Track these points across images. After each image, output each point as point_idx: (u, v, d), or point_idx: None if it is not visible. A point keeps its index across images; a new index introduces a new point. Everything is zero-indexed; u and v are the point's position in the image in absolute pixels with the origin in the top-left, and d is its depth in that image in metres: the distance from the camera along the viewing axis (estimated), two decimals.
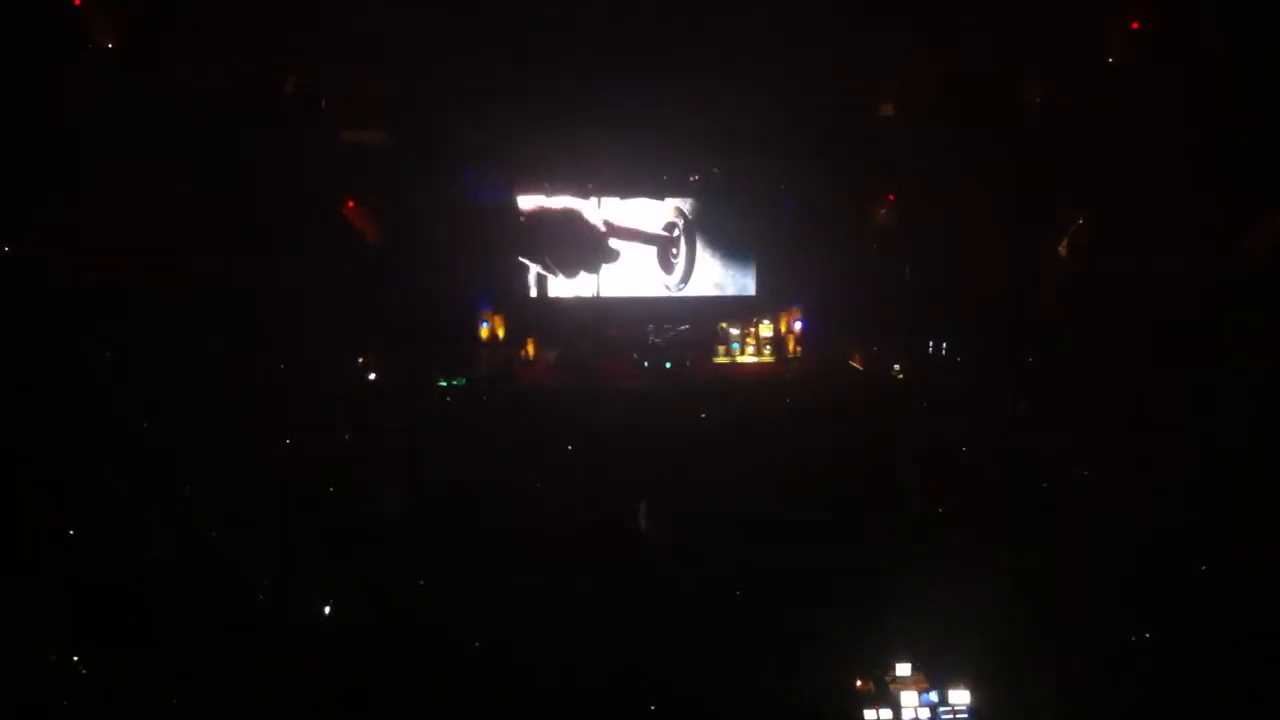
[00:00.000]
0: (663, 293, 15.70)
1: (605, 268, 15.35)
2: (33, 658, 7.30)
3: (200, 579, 8.26)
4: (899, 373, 14.31)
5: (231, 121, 11.46)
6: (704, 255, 15.67)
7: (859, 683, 7.71)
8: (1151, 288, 10.58)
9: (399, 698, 7.45)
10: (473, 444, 11.50)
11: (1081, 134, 11.64)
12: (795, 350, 15.82)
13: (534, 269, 15.25)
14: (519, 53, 12.32)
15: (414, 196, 13.68)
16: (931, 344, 14.22)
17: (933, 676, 7.59)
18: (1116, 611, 8.01)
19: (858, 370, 14.88)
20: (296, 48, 12.09)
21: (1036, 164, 12.11)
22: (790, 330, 15.84)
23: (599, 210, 15.30)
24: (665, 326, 15.70)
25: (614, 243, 15.35)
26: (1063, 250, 12.60)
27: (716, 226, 15.66)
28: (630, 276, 15.57)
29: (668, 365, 15.29)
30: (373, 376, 13.43)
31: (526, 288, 15.33)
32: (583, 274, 15.34)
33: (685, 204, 15.56)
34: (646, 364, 15.33)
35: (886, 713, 7.42)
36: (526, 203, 15.08)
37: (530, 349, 15.37)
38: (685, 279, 15.68)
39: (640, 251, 15.55)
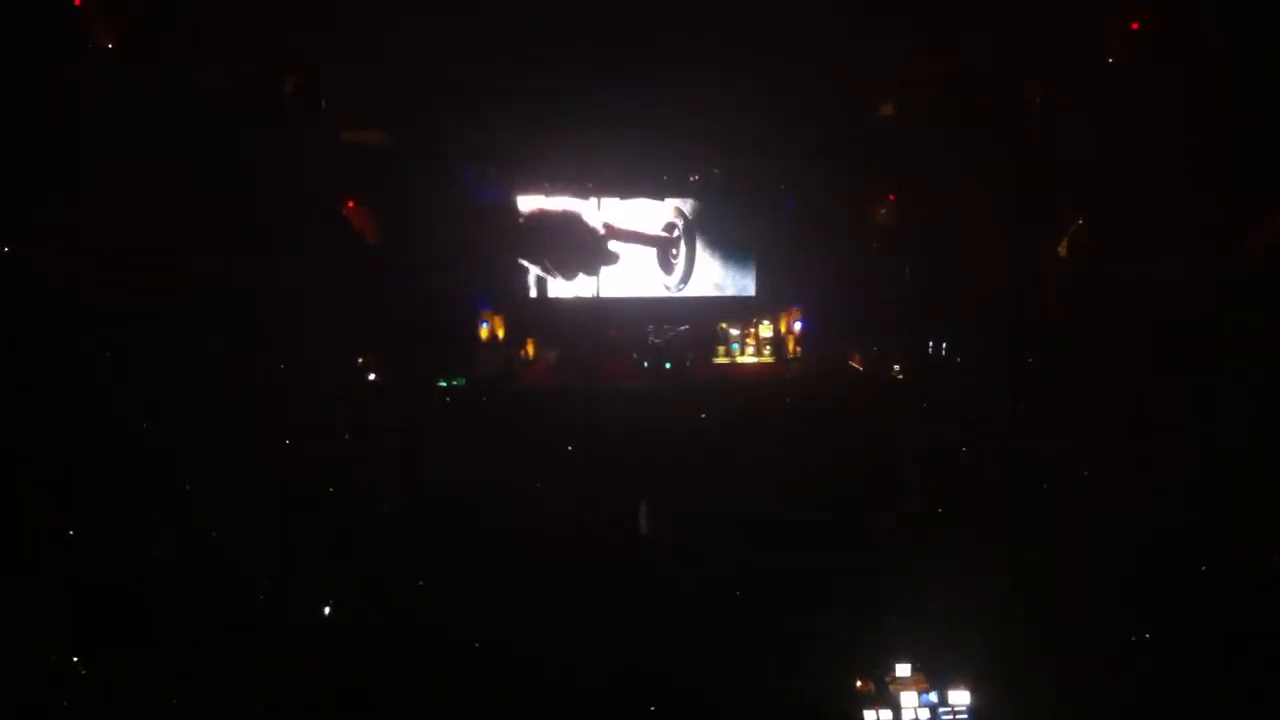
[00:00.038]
0: (662, 293, 15.70)
1: (605, 268, 15.36)
2: (33, 658, 7.29)
3: (200, 579, 8.25)
4: (899, 373, 14.31)
5: (231, 121, 11.47)
6: (704, 256, 15.68)
7: (859, 683, 7.69)
8: (1151, 288, 10.58)
9: (399, 698, 7.44)
10: (473, 444, 11.50)
11: (1081, 134, 11.64)
12: (795, 350, 15.83)
13: (533, 270, 15.26)
14: (519, 53, 12.32)
15: (414, 197, 13.69)
16: (931, 344, 14.22)
17: (933, 677, 7.57)
18: (1116, 611, 7.99)
19: (857, 370, 14.88)
20: (296, 48, 12.10)
21: (1036, 164, 12.12)
22: (790, 330, 15.85)
23: (599, 212, 15.30)
24: (665, 327, 15.71)
25: (614, 245, 15.36)
26: (1062, 251, 12.60)
27: (716, 227, 15.67)
28: (630, 277, 15.57)
29: (667, 366, 15.30)
30: (373, 377, 13.42)
31: (526, 288, 15.34)
32: (581, 276, 15.35)
33: (685, 204, 15.57)
34: (646, 364, 15.33)
35: (886, 713, 7.40)
36: (526, 204, 15.09)
37: (530, 349, 15.37)
38: (685, 279, 15.68)
39: (640, 252, 15.55)
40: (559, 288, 15.37)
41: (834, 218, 14.70)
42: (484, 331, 15.20)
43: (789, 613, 8.21)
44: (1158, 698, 7.14)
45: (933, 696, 7.44)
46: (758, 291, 15.82)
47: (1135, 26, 11.41)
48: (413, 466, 10.72)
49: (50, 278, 10.04)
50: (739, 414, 12.88)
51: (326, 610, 8.56)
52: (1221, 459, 8.77)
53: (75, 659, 7.44)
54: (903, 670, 7.66)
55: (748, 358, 15.91)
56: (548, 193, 15.18)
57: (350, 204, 13.50)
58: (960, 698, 7.41)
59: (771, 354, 15.89)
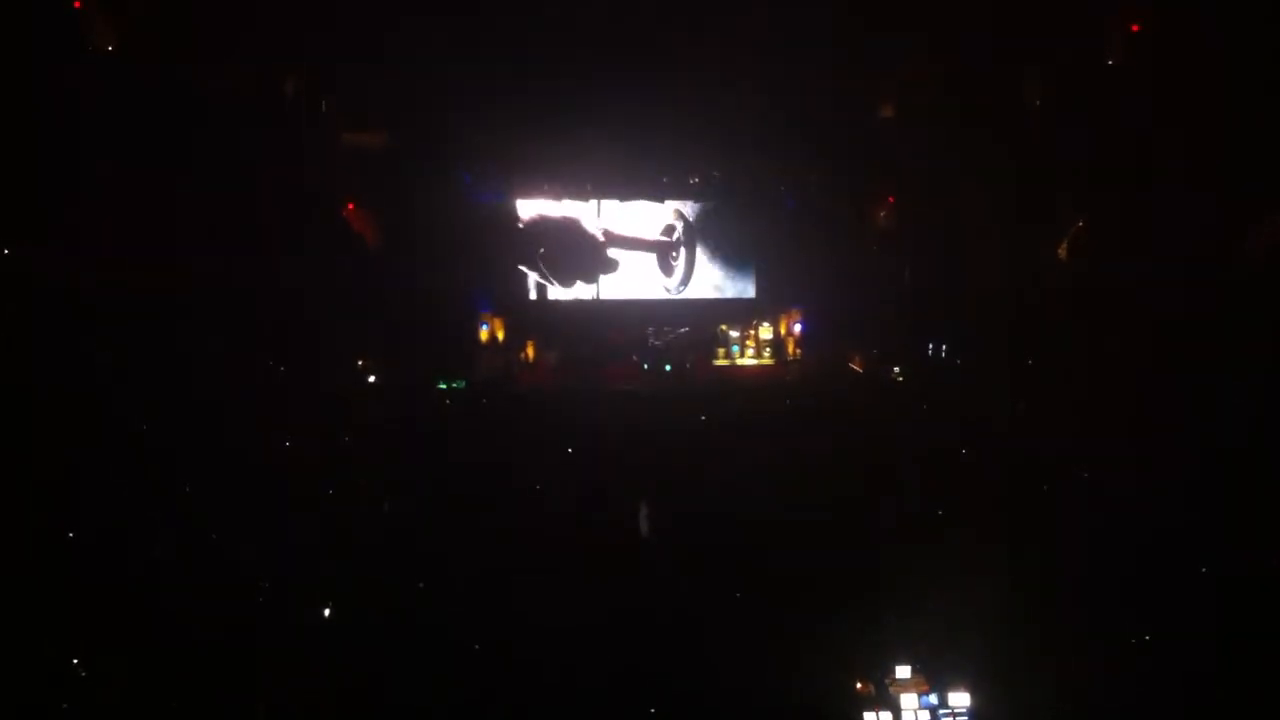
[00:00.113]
0: (662, 295, 15.71)
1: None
2: (33, 658, 7.29)
3: (200, 579, 8.24)
4: (898, 375, 14.30)
5: (231, 121, 11.47)
6: (703, 258, 15.68)
7: (859, 685, 7.69)
8: (1151, 288, 10.58)
9: (399, 698, 7.44)
10: (473, 445, 11.50)
11: (1081, 134, 11.64)
12: (795, 352, 15.83)
13: (532, 276, 15.28)
14: (519, 53, 12.33)
15: (414, 198, 13.69)
16: (931, 346, 14.21)
17: (932, 678, 7.57)
18: (1116, 612, 7.99)
19: (858, 372, 14.87)
20: (296, 48, 12.10)
21: (1036, 164, 12.12)
22: (790, 332, 15.86)
23: (598, 219, 15.31)
24: (665, 329, 15.72)
25: (613, 252, 15.38)
26: (1062, 252, 12.61)
27: (716, 229, 15.67)
28: (630, 279, 15.58)
29: (667, 368, 15.31)
30: (372, 379, 13.42)
31: (526, 290, 15.35)
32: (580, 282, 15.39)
33: (685, 206, 15.58)
34: (646, 366, 15.34)
35: (886, 715, 7.39)
36: (526, 208, 15.10)
37: (530, 351, 15.37)
38: (685, 281, 15.69)
39: (640, 254, 15.56)
40: (559, 290, 15.37)
41: (834, 219, 14.71)
42: (484, 334, 15.20)
43: (789, 613, 8.21)
44: (1158, 698, 7.14)
45: (933, 698, 7.44)
46: (757, 293, 15.83)
47: (1135, 29, 11.41)
48: (413, 467, 10.72)
49: (50, 278, 10.04)
50: (739, 415, 12.86)
51: (326, 611, 8.56)
52: (1221, 459, 8.76)
53: (75, 659, 7.43)
54: (903, 672, 7.66)
55: (748, 360, 15.91)
56: (547, 194, 15.19)
57: (350, 205, 13.50)
58: (960, 699, 7.41)
59: (771, 356, 15.90)
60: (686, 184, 15.53)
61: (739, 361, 15.88)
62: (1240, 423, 8.94)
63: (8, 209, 9.86)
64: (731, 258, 15.73)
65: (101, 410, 9.44)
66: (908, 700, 7.46)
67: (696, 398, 13.65)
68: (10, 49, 9.84)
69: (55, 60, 10.29)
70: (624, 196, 15.40)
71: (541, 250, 15.18)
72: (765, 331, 15.93)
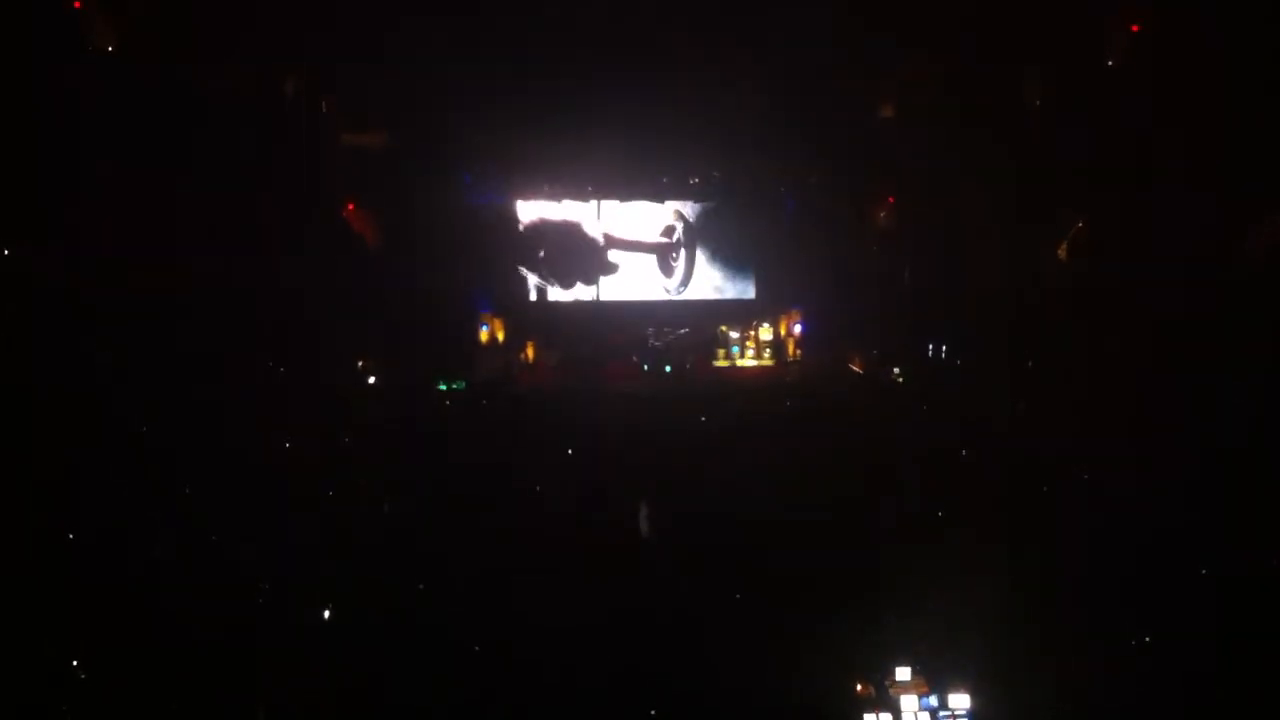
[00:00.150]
0: (662, 296, 15.71)
1: None
2: (33, 658, 7.28)
3: (200, 580, 8.24)
4: (898, 376, 14.29)
5: (231, 122, 11.47)
6: (703, 258, 15.68)
7: (859, 687, 7.68)
8: (1151, 288, 10.58)
9: (399, 698, 7.44)
10: (473, 446, 11.49)
11: (1081, 134, 11.65)
12: (795, 353, 15.82)
13: (532, 279, 15.29)
14: (519, 53, 12.33)
15: (414, 198, 13.70)
16: (931, 346, 14.21)
17: (932, 680, 7.55)
18: (1116, 612, 7.98)
19: (858, 373, 14.86)
20: (296, 48, 12.10)
21: (1036, 164, 12.12)
22: (790, 333, 15.85)
23: (598, 221, 15.32)
24: (665, 330, 15.71)
25: (613, 254, 15.38)
26: (1062, 252, 12.61)
27: (716, 229, 15.67)
28: (630, 280, 15.58)
29: (667, 369, 15.30)
30: (372, 380, 13.42)
31: (527, 291, 15.35)
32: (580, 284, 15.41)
33: (685, 207, 15.58)
34: (646, 367, 15.33)
35: (886, 717, 7.38)
36: (526, 210, 15.11)
37: (530, 352, 15.37)
38: (685, 282, 15.69)
39: (640, 255, 15.56)
40: (559, 291, 15.38)
41: (834, 219, 14.70)
42: (484, 334, 15.19)
43: (789, 613, 8.20)
44: (1158, 698, 7.13)
45: (933, 700, 7.41)
46: (758, 294, 15.82)
47: (1135, 29, 11.41)
48: (413, 467, 10.72)
49: (50, 278, 10.04)
50: (739, 416, 12.85)
51: (326, 611, 8.55)
52: (1221, 459, 8.76)
53: (75, 661, 7.42)
54: (903, 674, 7.64)
55: (748, 361, 15.91)
56: (548, 196, 15.20)
57: (350, 206, 13.51)
58: (960, 701, 7.39)
59: (771, 357, 15.89)
60: (686, 184, 15.53)
61: (739, 362, 15.88)
62: (1240, 423, 8.94)
63: (8, 209, 9.87)
64: (731, 259, 15.73)
65: (101, 410, 9.45)
66: (908, 702, 7.43)
67: (696, 398, 13.63)
68: (10, 49, 9.85)
69: (55, 60, 10.30)
70: (624, 197, 15.41)
71: (542, 253, 15.20)
72: (765, 332, 15.94)
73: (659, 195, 15.52)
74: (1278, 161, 9.74)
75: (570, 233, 15.25)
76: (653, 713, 7.43)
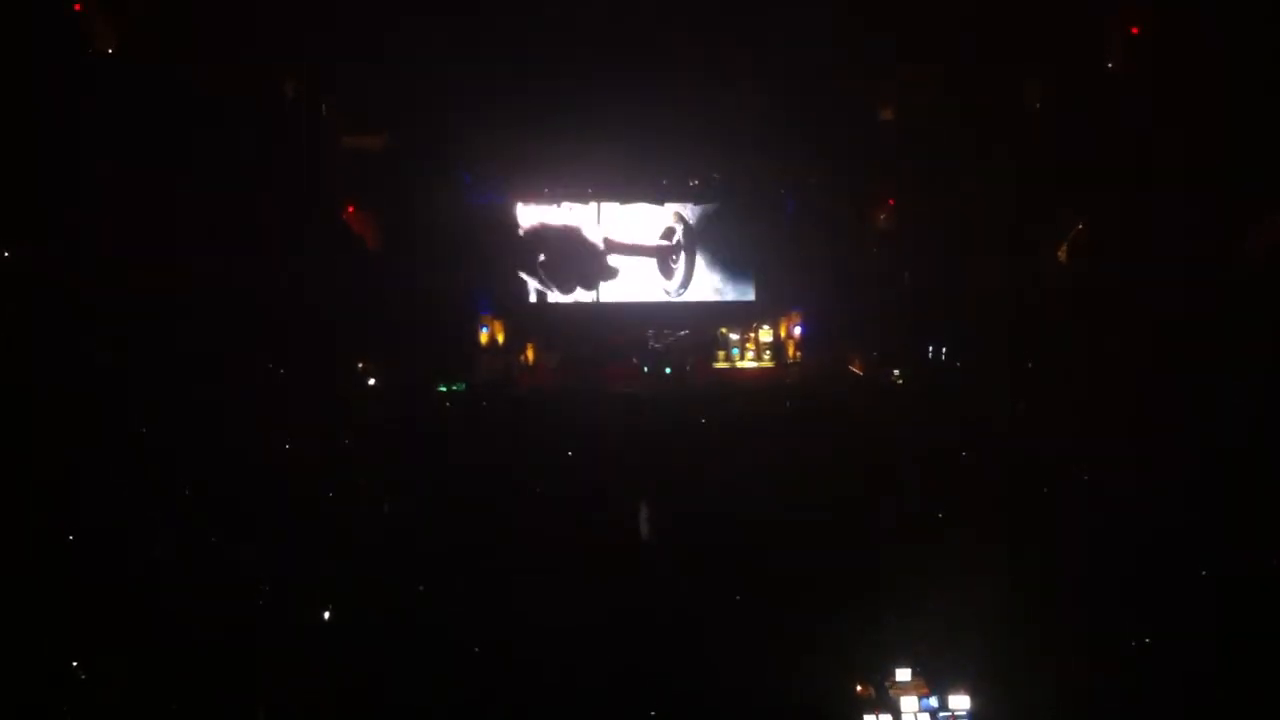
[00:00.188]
0: (663, 298, 15.69)
1: None
2: (33, 658, 7.28)
3: (200, 580, 8.24)
4: (898, 377, 14.28)
5: (231, 122, 11.48)
6: (703, 260, 15.67)
7: (859, 687, 7.67)
8: (1151, 288, 10.59)
9: (399, 698, 7.43)
10: (473, 447, 11.49)
11: (1081, 135, 11.65)
12: (795, 355, 15.80)
13: (532, 283, 15.30)
14: (519, 53, 12.34)
15: (414, 199, 13.70)
16: (931, 347, 14.21)
17: (932, 681, 7.55)
18: (1116, 612, 7.98)
19: (858, 375, 14.85)
20: (296, 48, 12.11)
21: (1036, 164, 12.13)
22: (790, 335, 15.83)
23: (599, 226, 15.32)
24: (665, 331, 15.70)
25: (613, 258, 15.39)
26: (1062, 253, 12.62)
27: (716, 231, 15.66)
28: (630, 282, 15.58)
29: (668, 371, 15.29)
30: (373, 381, 13.42)
31: (527, 292, 15.35)
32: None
33: (685, 209, 15.57)
34: (646, 369, 15.33)
35: (886, 718, 7.38)
36: (526, 213, 15.11)
37: (530, 353, 15.36)
38: (685, 284, 15.68)
39: (640, 257, 15.56)
40: (559, 293, 15.40)
41: (834, 220, 14.69)
42: (484, 336, 15.19)
43: (789, 613, 8.19)
44: (1158, 698, 7.13)
45: (933, 701, 7.40)
46: (758, 296, 15.81)
47: (1135, 31, 11.43)
48: (413, 468, 10.72)
49: (50, 278, 10.04)
50: (739, 418, 12.85)
51: (326, 611, 8.55)
52: (1221, 459, 8.76)
53: (75, 659, 7.42)
54: (903, 675, 7.63)
55: (748, 362, 15.89)
56: (548, 199, 15.20)
57: (350, 207, 13.51)
58: (960, 702, 7.38)
59: (771, 358, 15.87)
60: (686, 186, 15.52)
61: (739, 364, 15.87)
62: (1240, 423, 8.94)
63: (8, 209, 9.87)
64: (731, 261, 15.72)
65: (101, 410, 9.45)
66: (908, 703, 7.43)
67: (696, 400, 13.63)
68: (10, 49, 9.85)
69: (55, 60, 10.30)
70: (624, 199, 15.40)
71: (542, 257, 15.21)
72: (765, 334, 15.92)
73: (659, 197, 15.51)
74: (1278, 161, 9.75)
75: (570, 237, 15.26)
76: (653, 713, 7.42)
